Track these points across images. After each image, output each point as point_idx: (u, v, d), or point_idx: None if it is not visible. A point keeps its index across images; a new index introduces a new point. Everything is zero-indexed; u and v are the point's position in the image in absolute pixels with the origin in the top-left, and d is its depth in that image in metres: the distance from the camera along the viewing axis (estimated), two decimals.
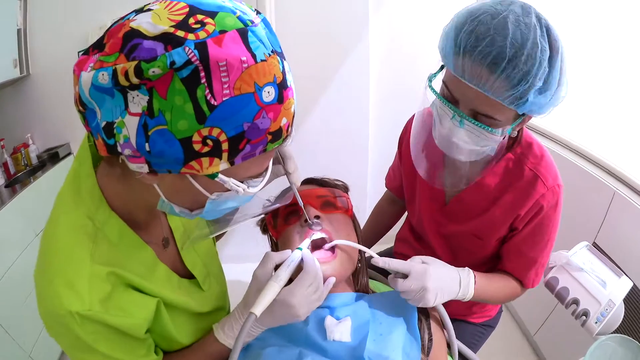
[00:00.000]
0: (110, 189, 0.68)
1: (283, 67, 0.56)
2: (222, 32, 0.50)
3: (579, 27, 1.79)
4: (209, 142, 0.52)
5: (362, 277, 1.01)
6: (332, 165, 2.29)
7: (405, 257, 1.32)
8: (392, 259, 0.88)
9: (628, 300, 1.26)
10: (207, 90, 0.49)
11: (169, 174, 0.57)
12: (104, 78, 0.49)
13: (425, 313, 0.95)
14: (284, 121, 0.57)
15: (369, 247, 1.43)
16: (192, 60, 0.48)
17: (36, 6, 2.05)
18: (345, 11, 2.05)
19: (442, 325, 0.97)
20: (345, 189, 1.07)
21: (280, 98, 0.55)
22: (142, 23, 0.51)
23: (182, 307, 0.81)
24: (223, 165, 0.55)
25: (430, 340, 0.90)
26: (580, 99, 1.73)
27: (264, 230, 1.06)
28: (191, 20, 0.51)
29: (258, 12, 0.59)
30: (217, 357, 0.83)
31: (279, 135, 0.57)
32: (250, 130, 0.53)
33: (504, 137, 0.89)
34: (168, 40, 0.49)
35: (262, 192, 0.71)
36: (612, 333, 1.25)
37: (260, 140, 0.55)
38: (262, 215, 1.09)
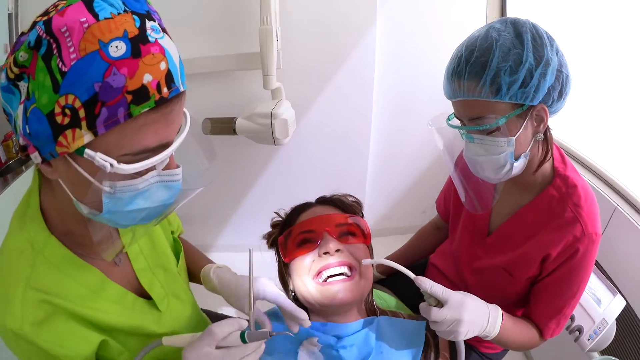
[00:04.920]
0: (50, 207, 0.70)
1: (141, 24, 0.54)
2: (68, 5, 0.53)
3: (583, 34, 1.74)
4: (67, 111, 0.52)
5: (369, 296, 0.99)
6: (331, 162, 2.31)
7: (438, 269, 1.37)
8: (434, 283, 0.85)
9: (621, 319, 1.24)
10: (59, 59, 0.51)
11: (60, 163, 0.58)
12: (2, 77, 0.56)
13: (432, 345, 0.93)
14: (147, 78, 0.53)
15: (406, 267, 1.44)
16: (41, 34, 0.51)
17: None
18: (352, 4, 1.97)
19: (451, 357, 0.94)
20: (360, 207, 1.05)
21: (136, 52, 0.52)
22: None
23: (136, 330, 0.79)
24: (87, 137, 0.54)
25: None
26: (585, 107, 1.69)
27: (272, 245, 1.03)
28: (50, 7, 0.55)
29: None
30: None
31: (143, 95, 0.53)
32: (103, 90, 0.51)
33: (509, 135, 0.90)
34: (31, 28, 0.54)
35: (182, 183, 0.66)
36: (603, 351, 1.26)
37: (117, 101, 0.52)
38: (270, 229, 1.08)
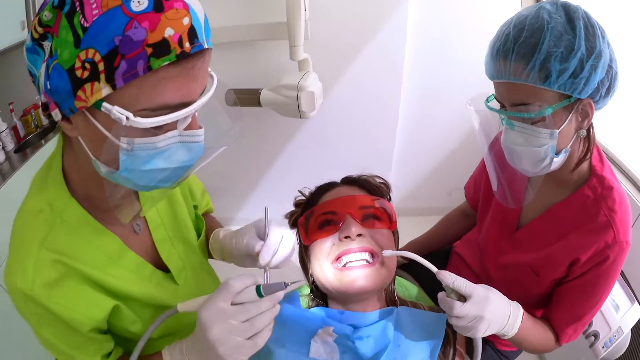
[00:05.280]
0: (72, 169, 0.70)
1: None
2: None
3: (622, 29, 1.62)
4: (87, 65, 0.52)
5: (390, 285, 0.95)
6: (357, 138, 2.27)
7: (462, 259, 1.35)
8: (457, 276, 0.81)
9: (635, 329, 1.24)
10: (81, 16, 0.52)
11: (79, 119, 0.58)
12: (28, 39, 0.57)
13: (452, 340, 0.90)
14: (169, 32, 0.53)
15: (428, 252, 1.43)
16: None
17: None
18: None
19: (467, 352, 0.92)
20: (388, 189, 1.00)
21: (158, 6, 0.52)
22: None
23: (150, 300, 0.80)
24: (105, 90, 0.54)
25: None
26: (619, 104, 1.62)
27: (293, 225, 1.00)
28: None
29: None
30: None
31: (164, 48, 0.53)
32: (123, 43, 0.51)
33: (553, 128, 0.86)
34: None
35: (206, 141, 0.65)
36: None
37: (137, 53, 0.52)
38: (293, 208, 1.03)
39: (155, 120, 0.56)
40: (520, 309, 0.89)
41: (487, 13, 1.98)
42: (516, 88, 0.86)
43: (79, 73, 0.53)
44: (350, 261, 0.84)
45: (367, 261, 0.84)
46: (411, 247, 1.45)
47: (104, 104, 0.54)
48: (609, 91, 0.86)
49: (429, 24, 2.03)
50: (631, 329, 1.21)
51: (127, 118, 0.54)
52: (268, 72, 1.92)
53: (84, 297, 0.70)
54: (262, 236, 0.86)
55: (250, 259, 0.88)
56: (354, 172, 1.02)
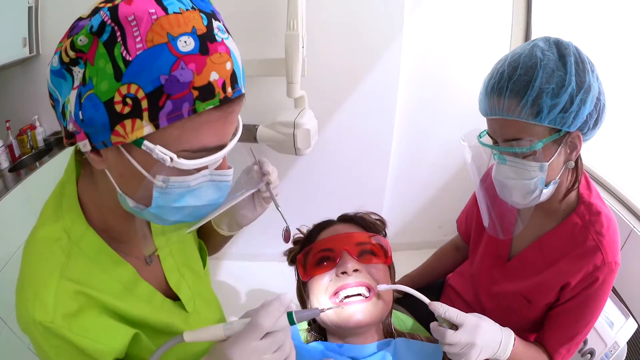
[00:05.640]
0: (88, 199, 0.68)
1: (209, 23, 0.54)
2: None
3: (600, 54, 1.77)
4: (129, 100, 0.51)
5: (387, 317, 0.97)
6: (351, 174, 2.31)
7: (455, 291, 1.35)
8: (449, 307, 0.83)
9: (631, 341, 1.27)
10: (123, 48, 0.50)
11: (110, 153, 0.57)
12: (55, 61, 0.54)
13: None
14: (214, 76, 0.53)
15: (422, 286, 1.43)
16: (106, 20, 0.50)
17: None
18: (380, 12, 1.98)
19: None
20: (383, 225, 1.03)
21: (204, 49, 0.52)
22: (85, 10, 0.54)
23: (165, 328, 0.78)
24: (147, 128, 0.52)
25: None
26: (606, 128, 1.72)
27: (292, 262, 1.02)
28: None
29: None
30: None
31: (209, 92, 0.53)
32: (169, 83, 0.51)
33: (543, 161, 0.88)
34: (93, 13, 0.52)
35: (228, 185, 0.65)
36: None
37: (183, 95, 0.51)
38: (291, 245, 1.05)
39: (197, 162, 0.56)
40: (512, 334, 0.91)
41: (477, 53, 2.09)
42: (509, 124, 0.89)
43: (118, 107, 0.52)
44: (348, 295, 0.86)
45: (363, 296, 0.86)
46: (405, 281, 1.45)
47: (145, 142, 0.53)
48: (596, 123, 0.89)
49: (421, 62, 2.14)
50: (627, 342, 1.22)
51: (171, 159, 0.54)
52: (264, 108, 1.96)
53: (105, 327, 0.68)
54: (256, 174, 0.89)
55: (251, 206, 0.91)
56: (347, 208, 1.06)
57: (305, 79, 1.84)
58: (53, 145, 2.09)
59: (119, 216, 0.68)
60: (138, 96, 0.51)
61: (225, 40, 0.55)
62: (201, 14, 0.54)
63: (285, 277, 1.03)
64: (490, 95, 0.90)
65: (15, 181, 1.76)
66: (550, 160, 0.89)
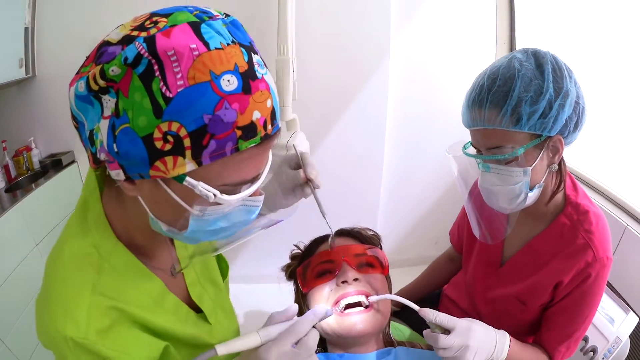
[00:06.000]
0: (114, 215, 0.67)
1: (249, 58, 0.53)
2: (173, 25, 0.50)
3: (577, 50, 1.82)
4: (170, 138, 0.50)
5: (386, 327, 0.99)
6: (346, 187, 2.32)
7: (451, 300, 1.36)
8: (439, 312, 0.85)
9: (634, 335, 1.28)
10: (162, 83, 0.49)
11: (146, 183, 0.56)
12: (82, 86, 0.52)
13: None
14: (256, 115, 0.52)
15: (419, 298, 1.44)
16: (142, 53, 0.49)
17: (45, 4, 1.96)
18: (367, 33, 2.04)
19: None
20: (379, 239, 1.06)
21: (247, 88, 0.52)
22: (112, 34, 0.53)
23: (191, 340, 0.78)
24: (190, 165, 0.52)
25: None
26: (593, 131, 1.75)
27: (290, 277, 1.03)
28: (147, 22, 0.52)
29: (227, 15, 0.56)
30: None
31: (252, 131, 0.53)
32: (213, 123, 0.50)
33: (526, 166, 0.91)
34: (126, 41, 0.50)
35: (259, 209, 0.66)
36: None
37: (227, 135, 0.51)
38: (289, 260, 1.07)
39: (238, 196, 0.58)
40: (507, 335, 0.92)
41: (463, 69, 2.11)
42: (490, 133, 0.92)
43: (158, 144, 0.51)
44: (349, 304, 0.88)
45: (364, 305, 0.88)
46: (401, 294, 1.46)
47: (188, 178, 0.54)
48: (577, 125, 0.91)
49: (408, 80, 2.20)
50: (630, 337, 1.24)
51: (215, 195, 0.55)
52: None
53: (137, 340, 0.68)
54: (296, 166, 0.91)
55: (291, 192, 0.92)
56: (341, 226, 1.08)
57: (296, 102, 1.86)
58: (49, 167, 2.08)
59: (146, 234, 0.68)
60: (180, 134, 0.50)
61: (264, 77, 0.55)
62: (241, 48, 0.53)
63: (283, 297, 1.04)
64: (471, 108, 0.93)
65: (11, 202, 1.74)
66: (533, 165, 0.92)
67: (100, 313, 0.63)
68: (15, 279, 1.67)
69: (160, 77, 0.48)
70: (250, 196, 0.61)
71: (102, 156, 0.54)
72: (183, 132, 0.50)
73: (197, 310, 0.84)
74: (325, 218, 0.87)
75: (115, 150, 0.52)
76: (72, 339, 0.59)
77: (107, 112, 0.51)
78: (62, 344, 0.60)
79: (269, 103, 0.54)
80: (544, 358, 1.04)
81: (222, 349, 0.69)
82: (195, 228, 0.60)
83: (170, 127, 0.50)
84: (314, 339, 0.70)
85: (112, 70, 0.49)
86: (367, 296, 0.88)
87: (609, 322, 1.28)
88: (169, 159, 0.51)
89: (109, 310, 0.64)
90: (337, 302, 0.87)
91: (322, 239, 1.03)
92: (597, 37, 1.91)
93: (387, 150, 2.30)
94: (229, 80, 0.50)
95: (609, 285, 1.45)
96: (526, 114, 0.86)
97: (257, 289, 2.36)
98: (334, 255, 0.93)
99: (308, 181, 0.87)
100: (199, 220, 0.59)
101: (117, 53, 0.50)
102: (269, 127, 0.55)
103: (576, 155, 1.74)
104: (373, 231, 1.08)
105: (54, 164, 2.11)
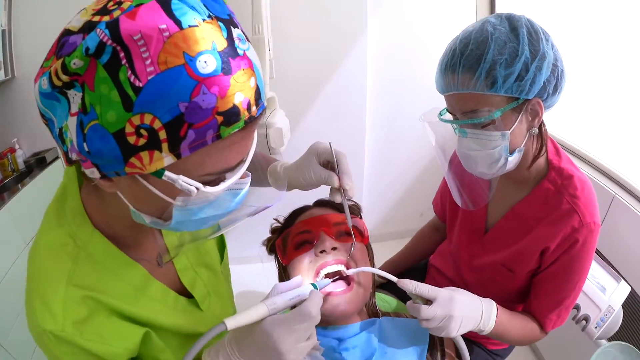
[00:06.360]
0: (93, 206, 0.65)
1: (229, 33, 0.48)
2: (139, 5, 0.45)
3: (575, 25, 1.80)
4: (143, 132, 0.46)
5: (371, 299, 0.97)
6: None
7: (438, 270, 1.36)
8: (419, 282, 0.83)
9: (626, 304, 1.26)
10: (130, 72, 0.44)
11: (123, 179, 0.52)
12: (45, 83, 0.47)
13: (438, 344, 0.91)
14: (238, 97, 0.48)
15: (405, 269, 1.44)
16: (105, 41, 0.43)
17: (21, 6, 1.96)
18: (344, 11, 2.03)
19: (457, 355, 0.93)
20: (359, 209, 1.04)
21: (227, 68, 0.47)
22: (73, 21, 0.48)
23: (173, 329, 0.76)
24: (167, 159, 0.48)
25: None
26: (580, 100, 1.73)
27: (271, 251, 1.02)
28: (110, 3, 0.46)
29: None
30: None
31: (234, 115, 0.48)
32: (190, 111, 0.45)
33: (504, 129, 0.90)
34: (87, 29, 0.45)
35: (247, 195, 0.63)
36: (611, 337, 1.28)
37: (206, 123, 0.47)
38: (270, 235, 1.05)
39: (222, 186, 0.54)
40: (494, 304, 0.91)
41: (441, 45, 2.15)
42: (465, 98, 0.90)
43: (131, 139, 0.46)
44: (328, 273, 0.86)
45: (344, 274, 0.86)
46: (387, 266, 1.46)
47: (167, 173, 0.50)
48: (556, 89, 0.90)
49: (387, 57, 2.20)
50: (622, 305, 1.23)
51: (197, 189, 0.52)
52: None
53: (115, 328, 0.66)
54: (326, 165, 0.89)
55: (314, 185, 0.90)
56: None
57: (275, 81, 1.84)
58: (34, 166, 2.10)
59: (125, 225, 0.65)
60: (154, 127, 0.45)
61: (246, 52, 0.50)
62: (220, 22, 0.48)
63: (269, 276, 1.02)
64: (444, 73, 0.92)
65: None
66: (512, 128, 0.90)
67: (75, 304, 0.62)
68: (8, 281, 1.68)
69: (127, 65, 0.44)
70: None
71: (73, 156, 0.51)
72: (157, 124, 0.45)
73: (190, 295, 0.82)
74: (351, 230, 0.86)
75: (86, 149, 0.48)
76: (51, 332, 0.59)
77: (75, 108, 0.47)
78: (44, 337, 0.60)
79: (252, 82, 0.50)
80: (534, 326, 1.03)
81: (231, 323, 0.66)
82: (180, 219, 0.57)
83: (142, 119, 0.45)
84: (313, 323, 0.69)
85: (74, 64, 0.45)
86: (346, 266, 0.86)
87: (600, 290, 1.27)
88: (144, 155, 0.47)
89: (84, 299, 0.63)
90: (317, 273, 0.86)
91: (301, 210, 1.01)
92: (583, 6, 1.89)
93: (369, 122, 2.29)
94: (205, 62, 0.45)
95: (600, 254, 1.44)
96: (501, 77, 0.84)
97: (245, 269, 2.39)
98: (312, 225, 0.91)
99: (341, 188, 0.83)
100: (184, 210, 0.56)
101: (79, 43, 0.45)
102: (254, 108, 0.51)
103: (562, 122, 1.72)
104: (353, 201, 1.05)
105: (39, 162, 2.12)
